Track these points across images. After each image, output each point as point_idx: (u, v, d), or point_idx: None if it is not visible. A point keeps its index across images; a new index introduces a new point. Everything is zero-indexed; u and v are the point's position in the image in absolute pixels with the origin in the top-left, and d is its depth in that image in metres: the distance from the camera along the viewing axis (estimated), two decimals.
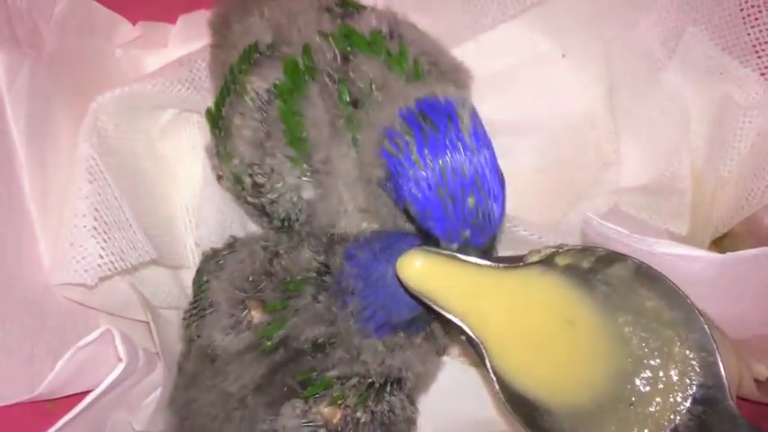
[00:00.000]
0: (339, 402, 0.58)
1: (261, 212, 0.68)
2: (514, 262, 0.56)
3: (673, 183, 0.72)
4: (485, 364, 0.54)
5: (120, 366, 0.54)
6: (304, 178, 0.64)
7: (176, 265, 0.78)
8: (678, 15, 0.71)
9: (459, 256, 0.55)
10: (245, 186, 0.66)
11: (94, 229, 0.65)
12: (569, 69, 0.85)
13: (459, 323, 0.55)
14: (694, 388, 0.51)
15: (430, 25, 0.74)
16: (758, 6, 0.63)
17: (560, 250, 0.56)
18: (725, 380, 0.50)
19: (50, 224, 0.65)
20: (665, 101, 0.73)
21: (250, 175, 0.64)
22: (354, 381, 0.59)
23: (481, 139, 0.54)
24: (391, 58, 0.64)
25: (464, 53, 0.86)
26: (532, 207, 0.82)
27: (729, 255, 0.55)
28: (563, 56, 0.85)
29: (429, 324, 0.63)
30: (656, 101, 0.73)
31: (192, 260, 0.79)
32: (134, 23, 0.83)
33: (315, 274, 0.61)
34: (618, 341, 0.53)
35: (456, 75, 0.71)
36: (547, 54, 0.85)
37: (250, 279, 0.62)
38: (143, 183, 0.77)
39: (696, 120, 0.71)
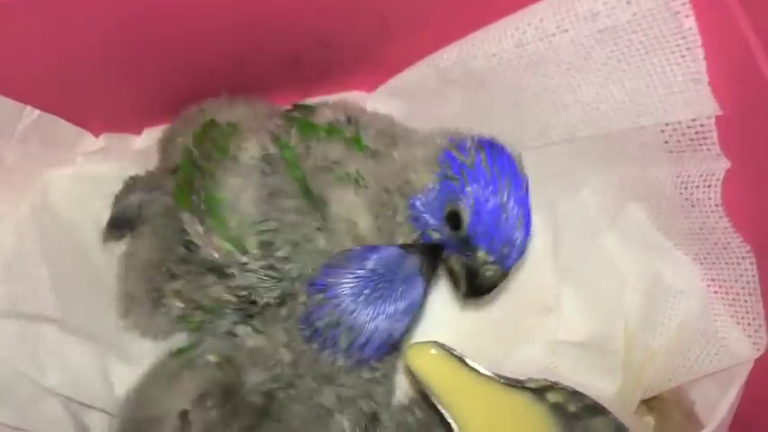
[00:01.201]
0: None
1: (263, 279, 0.66)
2: (512, 383, 0.64)
3: (606, 343, 0.76)
4: None
5: None
6: (316, 228, 0.66)
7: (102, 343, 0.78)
8: (619, 189, 0.75)
9: (467, 360, 0.63)
10: (247, 249, 0.65)
11: None
12: None
13: (448, 417, 0.62)
14: None
15: None
16: (694, 201, 0.67)
17: (554, 386, 0.64)
18: None
19: None
20: (602, 265, 0.76)
21: (258, 233, 0.64)
22: None
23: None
24: (349, 141, 0.68)
25: None
26: (470, 346, 0.83)
27: None
28: None
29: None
30: (595, 264, 0.77)
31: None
32: (97, 136, 0.83)
33: None
34: None
35: (425, 141, 0.73)
36: None
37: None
38: (82, 256, 0.79)
39: (631, 288, 0.75)
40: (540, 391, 0.63)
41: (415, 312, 0.61)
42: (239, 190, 0.65)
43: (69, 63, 0.71)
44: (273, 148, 0.67)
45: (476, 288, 0.65)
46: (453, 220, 0.62)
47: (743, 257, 0.65)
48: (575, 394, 0.62)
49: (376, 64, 0.83)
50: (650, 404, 0.78)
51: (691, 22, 0.61)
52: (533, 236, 0.86)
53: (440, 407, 0.62)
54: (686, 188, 0.67)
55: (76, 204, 0.79)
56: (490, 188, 0.60)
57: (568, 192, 0.80)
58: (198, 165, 0.68)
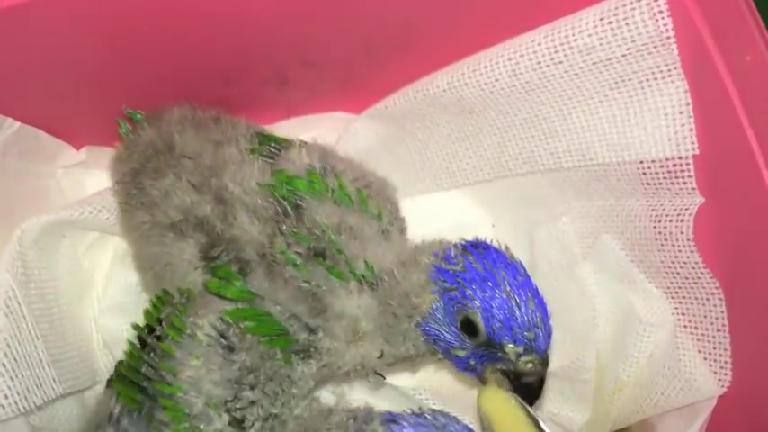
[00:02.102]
0: None
1: None
2: None
3: (578, 372, 0.76)
4: None
5: None
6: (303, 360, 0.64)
7: (90, 386, 0.77)
8: (596, 219, 0.76)
9: (540, 423, 0.59)
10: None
11: (3, 365, 0.64)
12: (497, 239, 0.87)
13: None
14: None
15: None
16: (667, 234, 0.68)
17: None
18: None
19: None
20: (578, 294, 0.77)
21: (227, 412, 0.59)
22: None
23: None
24: (335, 193, 0.67)
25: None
26: (446, 371, 0.84)
27: None
28: (492, 225, 0.90)
29: None
30: (571, 292, 0.78)
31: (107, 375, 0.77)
32: (78, 149, 0.83)
33: None
34: None
35: (387, 191, 0.75)
36: (477, 221, 0.89)
37: None
38: (59, 303, 0.77)
39: (603, 318, 0.75)
40: None
41: None
42: (200, 373, 0.59)
43: (51, 75, 0.71)
44: (230, 319, 0.62)
45: (527, 388, 0.62)
46: (468, 327, 0.61)
47: (712, 293, 0.66)
48: None
49: (362, 86, 0.84)
50: None
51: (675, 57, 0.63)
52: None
53: None
54: (660, 221, 0.68)
55: (49, 252, 0.77)
56: (489, 283, 0.60)
57: (548, 219, 0.80)
58: (148, 349, 0.62)
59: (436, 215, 0.90)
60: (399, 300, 0.63)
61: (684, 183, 0.66)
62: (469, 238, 0.91)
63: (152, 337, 0.62)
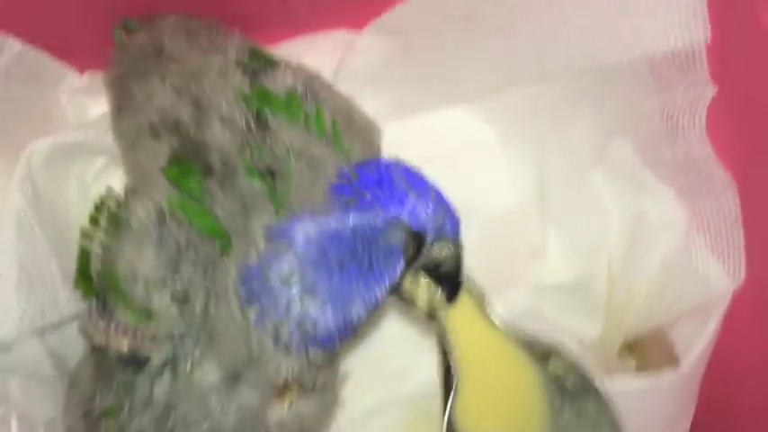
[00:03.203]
0: None
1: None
2: (525, 338, 0.61)
3: (590, 284, 0.74)
4: (445, 403, 0.58)
5: None
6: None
7: None
8: (608, 124, 0.73)
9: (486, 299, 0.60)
10: (153, 311, 0.57)
11: (19, 282, 0.65)
12: (506, 159, 0.86)
13: (451, 353, 0.59)
14: None
15: (373, 95, 0.76)
16: (679, 129, 0.65)
17: (558, 352, 0.61)
18: None
19: None
20: (589, 205, 0.75)
21: (167, 289, 0.58)
22: None
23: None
24: (309, 121, 0.65)
25: (407, 128, 0.89)
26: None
27: (617, 382, 0.58)
28: (502, 144, 0.87)
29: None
30: (582, 204, 0.76)
31: None
32: (81, 73, 0.83)
33: None
34: None
35: (369, 133, 0.72)
36: (486, 141, 0.87)
37: (89, 388, 0.61)
38: (71, 228, 0.76)
39: (615, 228, 0.73)
40: (543, 357, 0.60)
41: (384, 296, 0.54)
42: (133, 258, 0.58)
43: None
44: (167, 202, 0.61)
45: (448, 278, 0.59)
46: None
47: (724, 188, 0.63)
48: (574, 366, 0.59)
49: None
50: (631, 347, 0.77)
51: None
52: (520, 182, 0.86)
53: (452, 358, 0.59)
54: (672, 116, 0.65)
55: (59, 176, 0.77)
56: (384, 184, 0.57)
57: (559, 130, 0.78)
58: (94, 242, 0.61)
59: (444, 136, 0.88)
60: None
61: (697, 73, 0.63)
62: (479, 158, 0.90)
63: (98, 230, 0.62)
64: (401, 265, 0.56)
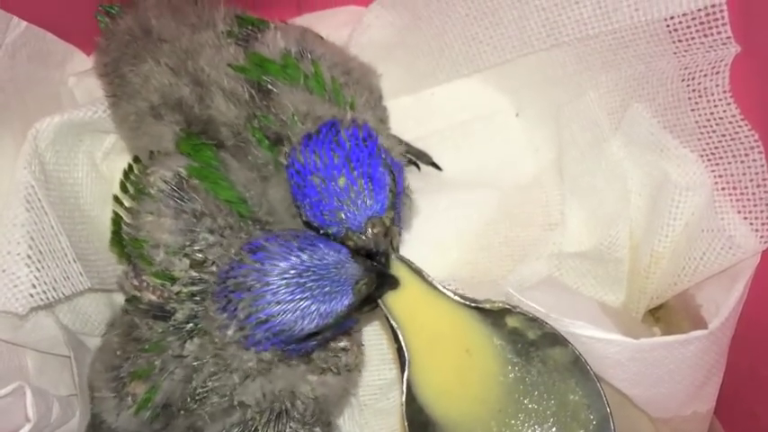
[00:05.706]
0: None
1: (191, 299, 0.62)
2: (468, 302, 0.61)
3: (611, 251, 0.73)
4: (402, 372, 0.60)
5: (28, 426, 0.54)
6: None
7: (113, 289, 0.78)
8: (625, 90, 0.72)
9: (425, 274, 0.60)
10: (175, 275, 0.61)
11: (29, 257, 0.64)
12: (522, 129, 0.86)
13: (398, 332, 0.60)
14: None
15: (384, 69, 0.75)
16: (701, 91, 0.64)
17: (513, 310, 0.61)
18: None
19: None
20: (608, 171, 0.74)
21: (186, 256, 0.61)
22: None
23: (360, 137, 0.58)
24: (309, 81, 0.65)
25: (420, 102, 0.88)
26: (477, 262, 0.82)
27: (643, 341, 0.58)
28: (516, 115, 0.86)
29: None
30: (600, 171, 0.74)
31: None
32: (88, 54, 0.82)
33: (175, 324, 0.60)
34: (527, 414, 0.59)
35: (368, 79, 0.72)
36: (501, 112, 0.87)
37: (118, 353, 0.62)
38: (81, 208, 0.77)
39: (636, 193, 0.72)
40: (497, 314, 0.60)
41: (328, 322, 0.56)
42: (154, 226, 0.62)
43: None
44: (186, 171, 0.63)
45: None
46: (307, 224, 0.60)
47: (751, 147, 0.62)
48: (534, 320, 0.59)
49: None
50: (656, 314, 0.76)
51: None
52: (537, 152, 0.85)
53: (393, 324, 0.60)
54: (693, 78, 0.64)
55: (67, 155, 0.76)
56: (308, 175, 0.57)
57: (574, 97, 0.77)
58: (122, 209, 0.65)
59: (458, 108, 0.87)
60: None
61: (719, 32, 0.61)
62: (494, 129, 0.89)
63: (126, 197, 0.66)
64: (350, 301, 0.56)
